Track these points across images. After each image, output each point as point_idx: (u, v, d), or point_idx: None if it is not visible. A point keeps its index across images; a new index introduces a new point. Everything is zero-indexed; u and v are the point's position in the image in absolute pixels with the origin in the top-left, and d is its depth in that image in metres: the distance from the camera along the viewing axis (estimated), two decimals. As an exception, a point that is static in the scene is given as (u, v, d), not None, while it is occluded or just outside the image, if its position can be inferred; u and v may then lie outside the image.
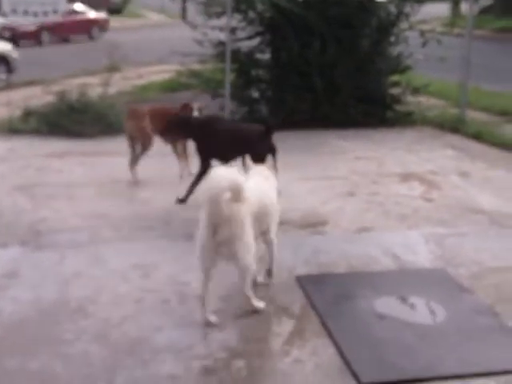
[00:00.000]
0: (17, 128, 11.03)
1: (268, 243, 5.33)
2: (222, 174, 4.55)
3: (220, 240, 4.60)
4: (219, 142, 6.87)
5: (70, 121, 10.73)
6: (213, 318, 4.77)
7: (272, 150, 6.53)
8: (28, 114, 11.46)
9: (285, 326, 4.77)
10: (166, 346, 4.47)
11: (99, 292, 5.24)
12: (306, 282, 5.37)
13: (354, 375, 4.14)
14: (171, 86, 15.61)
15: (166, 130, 7.44)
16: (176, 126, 7.19)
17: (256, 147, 6.51)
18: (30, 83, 16.85)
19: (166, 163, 8.26)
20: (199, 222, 4.67)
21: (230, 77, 11.42)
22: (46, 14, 32.67)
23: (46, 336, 4.64)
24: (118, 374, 4.18)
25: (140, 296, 5.18)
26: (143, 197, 7.15)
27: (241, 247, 4.65)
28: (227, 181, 4.47)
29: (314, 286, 5.31)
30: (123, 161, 7.94)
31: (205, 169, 6.84)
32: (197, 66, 12.72)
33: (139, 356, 4.37)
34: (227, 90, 11.31)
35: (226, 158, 6.86)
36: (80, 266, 5.70)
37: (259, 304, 4.95)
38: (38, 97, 12.32)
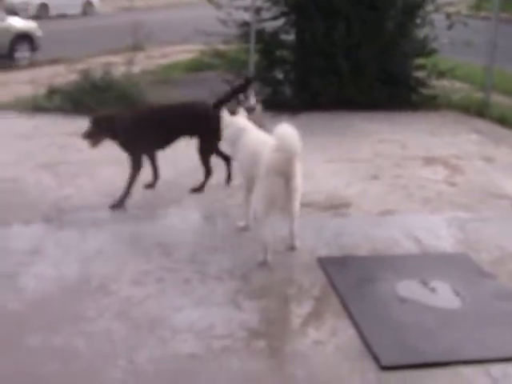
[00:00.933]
0: (41, 106, 11.06)
1: None
2: (290, 129, 5.12)
3: (291, 190, 5.21)
4: (155, 133, 6.64)
5: (94, 99, 10.72)
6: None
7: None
8: (52, 91, 11.47)
9: (305, 308, 4.78)
10: (187, 326, 4.50)
11: (121, 270, 5.27)
12: (327, 264, 5.36)
13: (375, 358, 4.14)
14: (195, 66, 15.55)
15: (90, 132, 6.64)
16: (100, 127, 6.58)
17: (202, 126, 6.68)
18: (54, 61, 16.91)
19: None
20: (259, 176, 5.32)
21: (254, 57, 11.38)
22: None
23: (68, 313, 4.68)
24: (139, 353, 4.20)
25: (161, 275, 5.21)
26: (163, 179, 7.14)
27: (299, 197, 5.34)
28: (297, 136, 5.10)
29: (335, 267, 5.31)
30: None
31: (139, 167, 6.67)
32: (221, 46, 12.67)
33: (160, 335, 4.40)
34: (251, 71, 11.26)
35: (165, 145, 6.89)
36: (102, 244, 5.74)
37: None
38: (62, 75, 12.36)
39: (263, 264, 5.37)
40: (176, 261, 5.46)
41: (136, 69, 12.34)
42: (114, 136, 6.55)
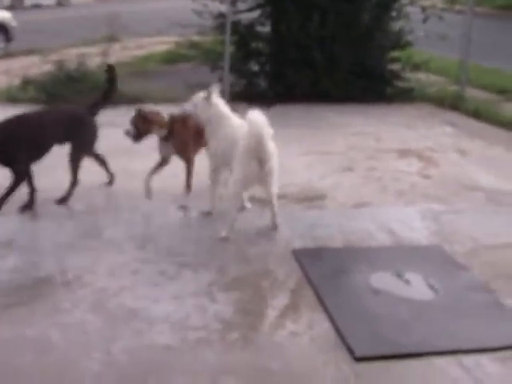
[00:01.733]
0: (15, 97, 10.97)
1: None
2: (260, 115, 5.35)
3: (265, 172, 5.50)
4: (28, 142, 6.15)
5: (69, 90, 10.67)
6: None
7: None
8: (26, 82, 11.41)
9: (280, 299, 4.79)
10: (162, 317, 4.50)
11: (96, 262, 5.26)
12: (302, 256, 5.39)
13: (349, 349, 4.17)
14: (171, 58, 15.51)
15: None
16: None
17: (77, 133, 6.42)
18: (28, 52, 16.75)
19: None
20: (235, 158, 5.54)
21: (229, 49, 11.36)
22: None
23: (43, 305, 4.66)
24: (115, 344, 4.20)
25: (136, 267, 5.21)
26: (139, 169, 7.11)
27: (275, 178, 5.66)
28: (266, 121, 5.36)
29: (310, 259, 5.33)
30: (119, 131, 7.88)
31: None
32: (196, 38, 12.64)
33: (135, 326, 4.39)
34: (227, 63, 11.25)
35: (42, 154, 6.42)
36: (77, 236, 5.73)
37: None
38: (37, 66, 12.25)
39: (225, 240, 5.67)
40: (151, 253, 5.46)
41: (111, 60, 12.24)
42: None
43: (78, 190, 6.48)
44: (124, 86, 10.97)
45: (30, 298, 4.77)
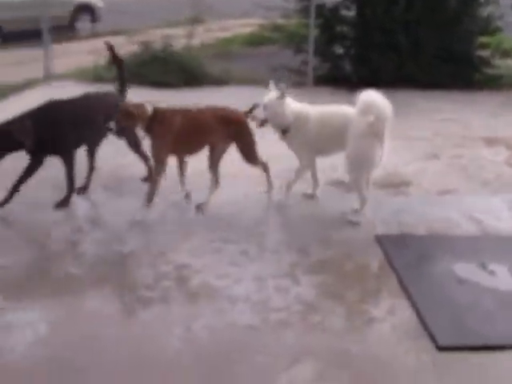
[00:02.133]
0: (101, 76, 11.15)
1: None
2: (379, 95, 5.43)
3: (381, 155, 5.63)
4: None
5: (154, 71, 10.81)
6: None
7: None
8: (112, 62, 11.54)
9: (362, 284, 4.76)
10: (244, 297, 4.52)
11: (179, 240, 5.32)
12: (385, 242, 5.33)
13: (432, 337, 4.10)
14: (254, 40, 15.48)
15: None
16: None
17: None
18: (114, 32, 16.99)
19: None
20: (356, 136, 5.54)
21: (313, 32, 11.28)
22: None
23: (126, 279, 4.75)
24: (196, 321, 4.24)
25: (219, 246, 5.24)
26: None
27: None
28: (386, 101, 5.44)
29: (393, 245, 5.27)
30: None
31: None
32: (280, 21, 12.59)
33: (217, 305, 4.43)
34: (311, 46, 11.19)
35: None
36: (161, 214, 5.80)
37: None
38: (122, 46, 12.40)
39: (357, 224, 5.69)
40: (233, 233, 5.49)
41: (195, 41, 12.35)
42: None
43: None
44: (208, 67, 11.10)
45: (115, 272, 4.87)
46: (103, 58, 11.56)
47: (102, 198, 6.12)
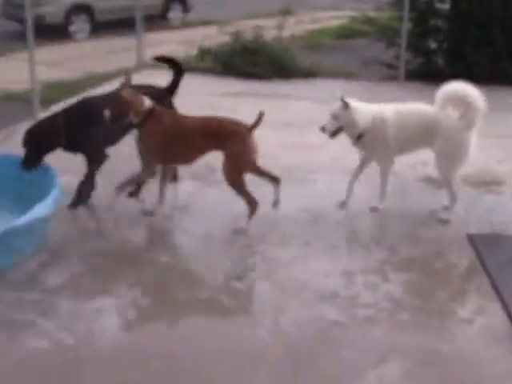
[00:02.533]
0: (193, 66, 11.29)
1: None
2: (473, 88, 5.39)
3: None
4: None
5: (244, 62, 10.88)
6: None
7: None
8: (203, 52, 11.69)
9: (452, 283, 4.71)
10: (332, 292, 4.51)
11: (268, 232, 5.34)
12: (477, 241, 5.23)
13: (525, 342, 4.02)
14: (345, 33, 15.40)
15: None
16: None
17: None
18: (205, 23, 17.16)
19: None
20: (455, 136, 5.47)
21: (407, 25, 11.13)
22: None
23: (214, 269, 4.80)
24: (283, 314, 4.26)
25: (308, 239, 5.25)
26: (315, 143, 7.13)
27: None
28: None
29: (486, 245, 5.16)
30: (296, 104, 7.99)
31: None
32: (372, 13, 12.48)
33: (304, 299, 4.44)
34: (403, 40, 11.03)
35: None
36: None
37: None
38: (214, 36, 12.52)
39: (446, 222, 5.59)
40: (323, 227, 5.48)
41: (286, 33, 12.36)
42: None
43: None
44: (298, 60, 11.09)
45: (203, 262, 4.94)
46: (194, 49, 11.73)
47: (194, 188, 6.19)
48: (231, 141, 5.20)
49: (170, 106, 5.91)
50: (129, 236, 5.28)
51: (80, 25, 16.45)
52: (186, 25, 17.90)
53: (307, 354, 3.90)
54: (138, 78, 10.45)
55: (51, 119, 5.52)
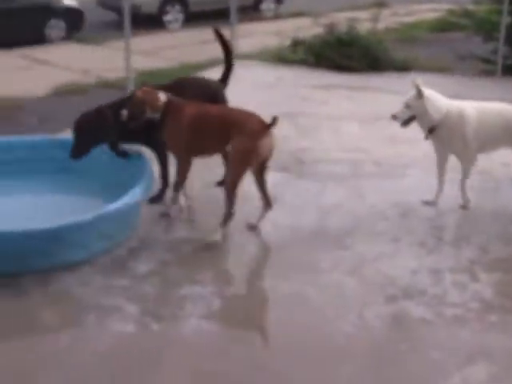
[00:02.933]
0: (285, 57, 11.31)
1: None
2: None
3: None
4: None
5: (338, 54, 10.81)
6: None
7: None
8: (296, 44, 11.67)
9: (546, 286, 4.55)
10: (419, 290, 4.44)
11: (357, 226, 5.30)
12: None
13: None
14: (441, 26, 15.07)
15: None
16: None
17: None
18: (298, 14, 17.15)
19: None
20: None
21: (506, 19, 10.82)
22: None
23: (302, 262, 4.78)
24: (369, 309, 4.22)
25: (397, 235, 5.18)
26: (406, 137, 7.03)
27: None
28: None
29: None
30: (388, 98, 7.86)
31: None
32: (470, 6, 12.19)
33: (390, 294, 4.38)
34: (502, 34, 10.73)
35: None
36: (340, 199, 5.79)
37: None
38: (307, 28, 12.49)
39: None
40: (413, 222, 5.40)
41: (380, 26, 12.22)
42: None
43: (340, 152, 6.54)
44: (391, 53, 10.95)
45: (287, 252, 4.93)
46: (287, 40, 11.71)
47: (282, 179, 6.20)
48: (239, 135, 4.89)
49: (223, 98, 5.81)
50: (216, 225, 5.31)
51: (174, 15, 16.74)
52: (278, 16, 17.93)
53: (391, 350, 3.86)
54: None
55: (100, 111, 5.45)
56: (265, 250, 4.97)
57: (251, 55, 11.77)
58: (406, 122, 5.49)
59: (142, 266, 4.65)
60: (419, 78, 5.49)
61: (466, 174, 5.62)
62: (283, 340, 3.93)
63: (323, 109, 7.77)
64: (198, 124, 5.06)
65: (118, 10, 13.57)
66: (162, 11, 16.45)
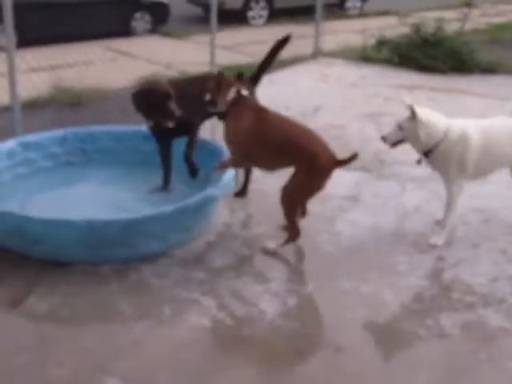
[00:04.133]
0: (369, 56, 11.22)
1: None
2: None
3: None
4: None
5: (423, 54, 10.64)
6: None
7: None
8: (381, 43, 11.53)
9: None
10: (498, 297, 4.34)
11: (435, 229, 5.18)
12: None
13: None
14: (532, 28, 14.70)
15: None
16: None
17: None
18: (383, 13, 16.99)
19: None
20: None
21: None
22: None
23: (380, 264, 4.73)
24: (446, 316, 4.14)
25: (477, 241, 5.08)
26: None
27: None
28: None
29: None
30: (471, 100, 7.70)
31: None
32: None
33: (469, 301, 4.29)
34: None
35: None
36: (420, 200, 5.72)
37: None
38: (392, 27, 12.33)
39: None
40: (494, 229, 5.28)
41: (468, 26, 11.96)
42: None
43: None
44: (478, 54, 10.71)
45: (367, 253, 4.89)
46: (371, 39, 11.60)
47: (360, 179, 6.14)
48: (308, 168, 4.56)
49: (252, 95, 5.55)
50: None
51: (258, 11, 16.78)
52: (363, 14, 17.79)
53: (469, 359, 3.78)
54: (315, 66, 10.59)
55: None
56: (342, 250, 4.91)
57: (335, 53, 11.72)
58: (394, 144, 5.04)
59: (219, 260, 4.69)
60: (408, 98, 4.92)
61: (452, 207, 5.00)
62: (359, 341, 3.89)
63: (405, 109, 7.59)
64: (257, 131, 4.68)
65: (204, 6, 13.69)
66: (246, 7, 16.53)
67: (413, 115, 4.80)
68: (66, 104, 8.26)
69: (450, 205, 4.99)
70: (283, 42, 5.73)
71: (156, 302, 4.21)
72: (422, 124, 4.80)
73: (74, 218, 4.37)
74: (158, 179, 5.49)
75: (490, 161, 4.97)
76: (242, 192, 5.73)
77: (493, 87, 9.54)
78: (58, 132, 5.93)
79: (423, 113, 4.83)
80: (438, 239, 4.98)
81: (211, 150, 5.43)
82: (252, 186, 5.73)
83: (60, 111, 8.02)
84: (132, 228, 4.46)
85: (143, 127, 5.56)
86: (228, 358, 3.72)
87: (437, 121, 4.86)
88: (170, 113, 5.06)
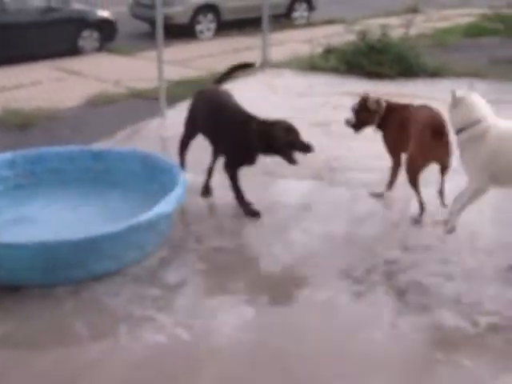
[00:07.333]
0: (317, 65, 11.27)
1: None
2: None
3: None
4: None
5: (370, 61, 10.73)
6: None
7: None
8: (328, 51, 11.64)
9: None
10: (453, 297, 4.39)
11: (389, 234, 5.26)
12: None
13: None
14: (474, 31, 14.90)
15: None
16: None
17: None
18: (330, 22, 17.15)
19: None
20: None
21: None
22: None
23: (334, 270, 4.74)
24: (402, 318, 4.19)
25: (430, 242, 5.12)
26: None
27: None
28: None
29: None
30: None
31: None
32: (506, 10, 12.08)
33: (424, 303, 4.34)
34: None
35: None
36: (371, 207, 5.75)
37: None
38: (339, 35, 12.47)
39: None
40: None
41: (412, 32, 12.13)
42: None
43: (371, 160, 6.49)
44: (424, 58, 10.86)
45: (320, 260, 4.90)
46: (319, 48, 11.69)
47: (312, 187, 6.18)
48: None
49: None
50: (249, 234, 5.31)
51: (206, 24, 16.82)
52: (310, 24, 17.93)
53: (426, 359, 3.83)
54: (263, 77, 10.62)
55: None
56: (296, 259, 4.92)
57: (283, 63, 11.76)
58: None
59: (174, 276, 4.66)
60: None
61: (463, 200, 4.88)
62: (316, 348, 3.92)
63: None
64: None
65: (151, 21, 13.67)
66: (194, 21, 16.55)
67: (455, 101, 4.91)
68: (14, 126, 8.19)
69: (462, 197, 4.88)
70: (245, 66, 6.22)
71: (111, 320, 4.19)
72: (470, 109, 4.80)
73: (26, 241, 4.34)
74: (109, 198, 5.46)
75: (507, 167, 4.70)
76: (207, 190, 5.87)
77: (439, 90, 9.65)
78: (7, 155, 5.87)
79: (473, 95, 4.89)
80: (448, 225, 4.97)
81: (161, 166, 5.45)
82: (205, 200, 5.74)
83: (9, 133, 7.94)
84: (84, 247, 4.42)
85: (92, 146, 5.55)
86: (186, 375, 3.70)
87: (479, 107, 4.84)
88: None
